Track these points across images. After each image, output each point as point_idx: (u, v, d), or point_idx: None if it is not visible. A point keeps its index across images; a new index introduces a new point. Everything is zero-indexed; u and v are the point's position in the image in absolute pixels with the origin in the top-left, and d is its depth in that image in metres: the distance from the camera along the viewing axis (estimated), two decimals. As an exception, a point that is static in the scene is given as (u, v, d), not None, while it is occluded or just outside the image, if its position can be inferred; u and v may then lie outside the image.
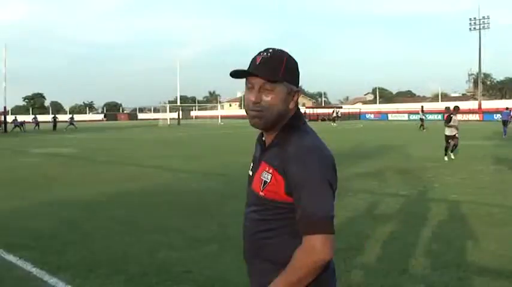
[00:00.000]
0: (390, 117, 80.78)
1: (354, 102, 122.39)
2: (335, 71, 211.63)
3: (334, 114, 66.02)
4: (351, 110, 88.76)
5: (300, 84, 2.05)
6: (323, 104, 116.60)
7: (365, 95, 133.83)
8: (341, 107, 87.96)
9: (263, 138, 2.09)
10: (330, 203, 1.84)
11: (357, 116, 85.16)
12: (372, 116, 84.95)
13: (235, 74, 1.98)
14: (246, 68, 1.98)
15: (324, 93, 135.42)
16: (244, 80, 2.01)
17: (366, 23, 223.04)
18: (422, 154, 18.65)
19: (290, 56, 2.02)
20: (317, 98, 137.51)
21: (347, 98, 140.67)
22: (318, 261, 1.80)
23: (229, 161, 16.99)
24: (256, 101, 1.95)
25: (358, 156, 18.45)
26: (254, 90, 1.96)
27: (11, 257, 6.11)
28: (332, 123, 59.19)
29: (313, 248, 1.79)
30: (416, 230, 7.11)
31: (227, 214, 8.40)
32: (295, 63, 2.03)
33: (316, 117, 77.33)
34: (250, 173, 2.11)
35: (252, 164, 2.12)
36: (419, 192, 10.44)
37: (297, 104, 2.03)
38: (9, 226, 7.83)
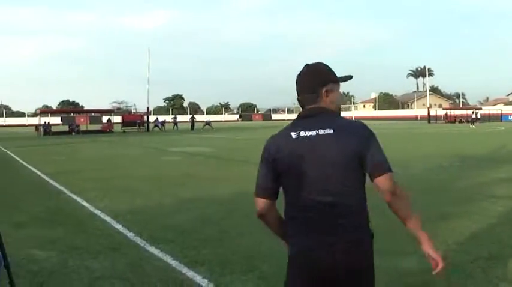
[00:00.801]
0: (537, 119, 75.44)
1: (495, 103, 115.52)
2: (474, 71, 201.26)
3: (474, 116, 62.82)
4: (491, 112, 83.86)
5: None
6: (461, 105, 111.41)
7: (507, 95, 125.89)
8: (481, 109, 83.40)
9: None
10: (259, 176, 2.73)
11: (498, 117, 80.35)
12: (516, 118, 79.84)
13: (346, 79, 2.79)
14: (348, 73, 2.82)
15: (462, 94, 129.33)
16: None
17: (507, 16, 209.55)
18: None
19: None
20: (455, 99, 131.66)
21: (487, 99, 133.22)
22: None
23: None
24: None
25: (499, 160, 17.37)
26: None
27: (153, 249, 6.49)
28: (471, 125, 56.39)
29: None
30: None
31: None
32: None
33: (454, 119, 74.01)
34: None
35: None
36: None
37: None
38: (153, 221, 8.31)
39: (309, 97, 2.69)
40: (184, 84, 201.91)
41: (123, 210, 9.25)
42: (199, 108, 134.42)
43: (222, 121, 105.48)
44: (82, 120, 75.71)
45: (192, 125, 58.96)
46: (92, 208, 9.51)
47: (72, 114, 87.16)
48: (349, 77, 2.80)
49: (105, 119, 61.68)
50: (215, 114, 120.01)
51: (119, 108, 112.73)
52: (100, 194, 11.20)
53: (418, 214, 2.57)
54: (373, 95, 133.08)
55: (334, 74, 2.72)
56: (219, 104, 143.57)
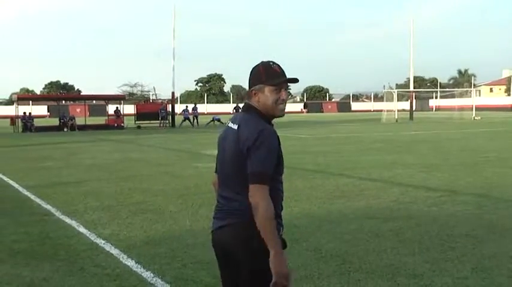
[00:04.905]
0: None
1: None
2: None
3: None
4: None
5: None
6: None
7: None
8: None
9: None
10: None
11: None
12: None
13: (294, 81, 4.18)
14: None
15: None
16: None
17: None
18: None
19: None
20: None
21: None
22: None
23: (495, 175, 16.54)
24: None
25: None
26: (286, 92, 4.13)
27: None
28: None
29: None
30: None
31: (485, 255, 8.16)
32: None
33: None
34: None
35: None
36: None
37: None
38: (180, 255, 8.42)
39: (248, 93, 4.12)
40: (225, 60, 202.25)
41: (137, 239, 9.36)
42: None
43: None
44: (79, 110, 76.48)
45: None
46: (93, 237, 9.62)
47: (64, 101, 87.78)
48: (290, 80, 4.13)
49: (111, 109, 62.05)
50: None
51: (131, 94, 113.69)
52: (105, 216, 11.35)
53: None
54: (506, 74, 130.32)
55: (270, 76, 4.01)
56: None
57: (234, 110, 60.44)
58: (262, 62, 4.10)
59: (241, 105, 49.32)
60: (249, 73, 4.10)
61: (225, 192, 4.06)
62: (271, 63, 4.08)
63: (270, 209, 3.77)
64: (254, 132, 3.85)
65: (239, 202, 3.94)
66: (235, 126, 4.00)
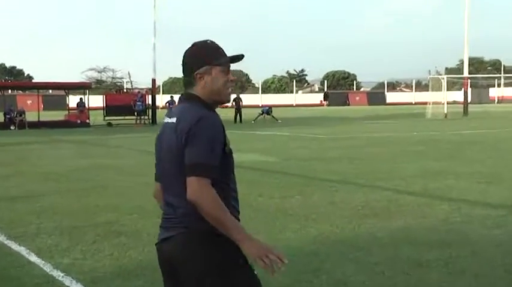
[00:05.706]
0: None
1: None
2: None
3: None
4: None
5: None
6: None
7: None
8: None
9: None
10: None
11: None
12: None
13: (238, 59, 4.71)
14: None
15: None
16: None
17: None
18: None
19: None
20: None
21: None
22: None
23: None
24: None
25: None
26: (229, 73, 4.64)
27: None
28: None
29: None
30: None
31: None
32: None
33: None
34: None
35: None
36: None
37: None
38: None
39: (187, 80, 4.60)
40: (220, 38, 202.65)
41: (107, 270, 9.32)
42: (249, 81, 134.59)
43: (291, 106, 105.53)
44: (30, 102, 77.07)
45: (237, 114, 58.43)
46: (48, 267, 9.56)
47: (10, 91, 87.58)
48: (235, 58, 4.66)
49: (73, 100, 61.96)
50: (279, 92, 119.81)
51: (99, 81, 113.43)
52: (64, 240, 11.31)
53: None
54: None
55: (215, 55, 4.52)
56: (286, 74, 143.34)
57: (233, 103, 57.58)
58: (195, 42, 4.64)
59: (244, 96, 50.21)
60: (183, 56, 4.59)
61: (169, 198, 4.50)
62: (208, 41, 4.62)
63: (215, 199, 4.16)
64: (193, 120, 4.29)
65: (184, 208, 4.32)
66: (173, 120, 4.45)
